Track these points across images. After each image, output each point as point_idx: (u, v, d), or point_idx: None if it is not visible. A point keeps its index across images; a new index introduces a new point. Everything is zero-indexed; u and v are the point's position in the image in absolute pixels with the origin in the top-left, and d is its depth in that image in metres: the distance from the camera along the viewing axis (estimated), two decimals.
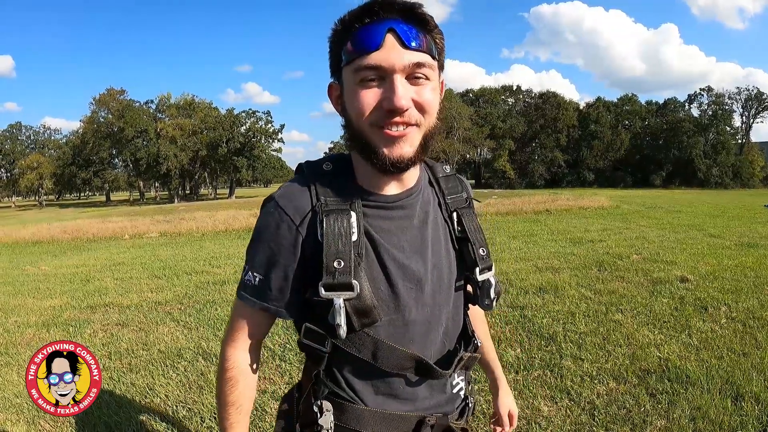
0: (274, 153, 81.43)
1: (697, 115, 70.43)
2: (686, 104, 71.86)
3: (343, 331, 1.16)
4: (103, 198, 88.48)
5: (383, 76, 1.13)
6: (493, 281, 1.39)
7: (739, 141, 70.53)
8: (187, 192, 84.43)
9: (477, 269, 1.36)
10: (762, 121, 74.56)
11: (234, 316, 1.33)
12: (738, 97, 71.84)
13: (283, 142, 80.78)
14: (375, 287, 1.22)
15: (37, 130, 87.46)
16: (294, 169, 1.41)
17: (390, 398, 1.31)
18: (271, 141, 78.96)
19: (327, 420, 1.26)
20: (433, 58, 1.18)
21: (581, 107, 74.22)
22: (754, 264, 8.23)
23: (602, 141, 69.36)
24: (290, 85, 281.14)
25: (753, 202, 25.37)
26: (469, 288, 1.44)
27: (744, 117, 72.44)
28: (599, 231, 13.28)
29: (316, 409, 1.28)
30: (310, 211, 1.21)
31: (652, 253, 9.56)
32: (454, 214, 1.39)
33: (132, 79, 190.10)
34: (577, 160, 70.89)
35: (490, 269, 1.40)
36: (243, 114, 78.11)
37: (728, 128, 69.75)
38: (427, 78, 1.16)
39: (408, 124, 1.15)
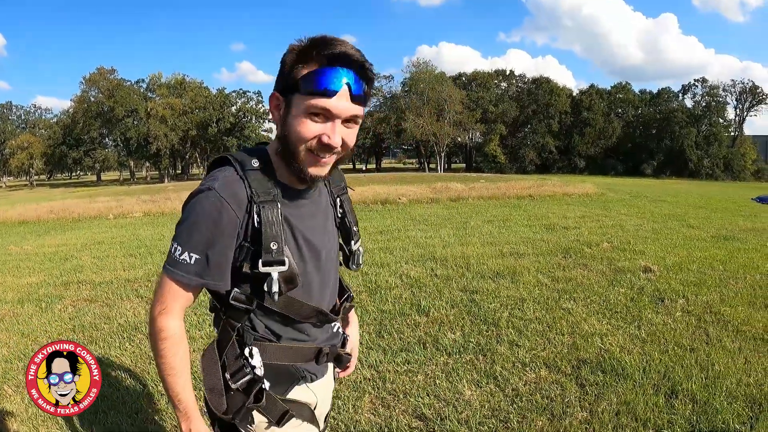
0: (265, 133, 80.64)
1: (690, 106, 70.16)
2: (680, 95, 71.63)
3: (276, 295, 1.48)
4: (94, 178, 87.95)
5: (327, 117, 1.42)
6: (361, 250, 1.87)
7: (732, 133, 70.42)
8: (178, 172, 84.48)
9: (352, 242, 1.83)
10: (756, 115, 74.66)
11: (164, 290, 1.50)
12: (732, 89, 71.81)
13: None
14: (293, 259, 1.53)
15: (28, 109, 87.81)
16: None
17: (298, 337, 1.67)
18: (261, 121, 78.75)
19: (257, 360, 1.57)
20: (365, 107, 1.50)
21: (574, 94, 73.99)
22: (725, 257, 8.06)
23: (594, 128, 69.09)
24: None
25: (741, 195, 25.28)
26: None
27: (738, 109, 72.26)
28: (577, 218, 13.11)
29: (246, 352, 1.57)
30: (248, 201, 1.46)
31: (623, 241, 9.40)
32: (338, 200, 1.80)
33: (125, 57, 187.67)
34: (568, 147, 70.62)
35: (358, 241, 1.86)
36: (233, 94, 78.35)
37: (721, 120, 69.54)
38: (356, 123, 1.49)
39: (332, 155, 1.48)
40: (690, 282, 6.54)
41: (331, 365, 1.85)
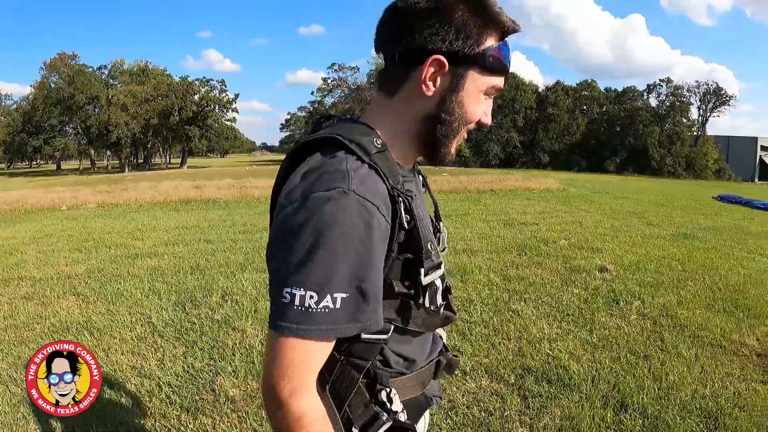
0: (228, 123, 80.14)
1: (654, 105, 70.73)
2: (645, 93, 72.06)
3: (442, 308, 1.22)
4: (54, 167, 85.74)
5: (491, 95, 1.20)
6: (445, 230, 1.47)
7: (695, 133, 71.14)
8: (140, 161, 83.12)
9: (440, 223, 1.45)
10: (718, 116, 75.72)
11: (295, 358, 1.03)
12: (697, 90, 72.26)
13: (237, 112, 79.79)
14: None
15: None
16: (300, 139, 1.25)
17: (423, 356, 1.33)
18: (225, 111, 77.75)
19: (398, 403, 1.22)
20: None
21: (540, 90, 73.93)
22: (683, 256, 7.86)
23: (559, 124, 69.14)
24: (252, 53, 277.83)
25: (702, 193, 25.22)
26: None
27: (701, 110, 72.96)
28: (537, 213, 12.92)
29: (383, 396, 1.21)
30: (390, 197, 1.09)
31: (581, 239, 9.18)
32: (420, 177, 1.44)
33: (88, 42, 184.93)
34: (533, 142, 70.58)
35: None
36: (197, 82, 76.67)
37: (684, 120, 70.00)
38: None
39: None
40: (647, 283, 6.29)
41: None
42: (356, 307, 1.02)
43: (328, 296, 0.99)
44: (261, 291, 6.12)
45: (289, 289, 1.00)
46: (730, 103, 73.04)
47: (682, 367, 4.04)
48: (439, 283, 1.16)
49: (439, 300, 1.18)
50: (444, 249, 1.42)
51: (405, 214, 1.08)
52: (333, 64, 78.53)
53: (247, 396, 3.75)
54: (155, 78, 74.15)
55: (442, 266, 1.17)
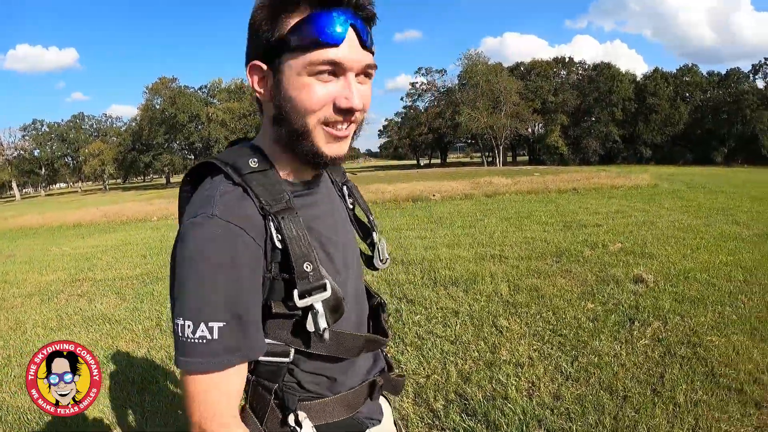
0: None
1: (762, 87, 65.30)
2: (750, 75, 66.99)
3: (327, 333, 1.10)
4: (164, 180, 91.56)
5: (336, 73, 1.07)
6: (384, 242, 1.46)
7: None
8: None
9: (374, 233, 1.43)
10: None
11: (196, 398, 1.03)
12: None
13: None
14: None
15: (99, 119, 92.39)
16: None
17: (349, 379, 1.28)
18: None
19: (308, 427, 1.18)
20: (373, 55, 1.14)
21: (638, 79, 70.49)
22: (755, 263, 6.75)
23: (660, 115, 65.56)
24: None
25: None
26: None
27: None
28: (607, 213, 11.97)
29: (291, 420, 1.18)
30: (261, 218, 1.06)
31: (639, 242, 8.29)
32: (344, 188, 1.41)
33: (197, 63, 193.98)
34: (633, 135, 67.36)
35: (377, 232, 1.45)
36: None
37: None
38: (369, 77, 1.14)
39: (351, 123, 1.12)
40: (687, 298, 5.40)
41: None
42: (235, 335, 1.01)
43: (202, 325, 0.99)
44: None
45: (174, 320, 1.02)
46: None
47: (661, 419, 3.21)
48: (318, 306, 1.08)
49: (322, 324, 1.08)
50: (385, 260, 1.46)
51: (276, 233, 1.05)
52: (420, 68, 78.86)
53: None
54: (251, 94, 76.15)
55: (329, 289, 1.08)
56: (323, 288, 1.08)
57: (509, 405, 3.44)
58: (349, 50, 1.05)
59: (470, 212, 13.73)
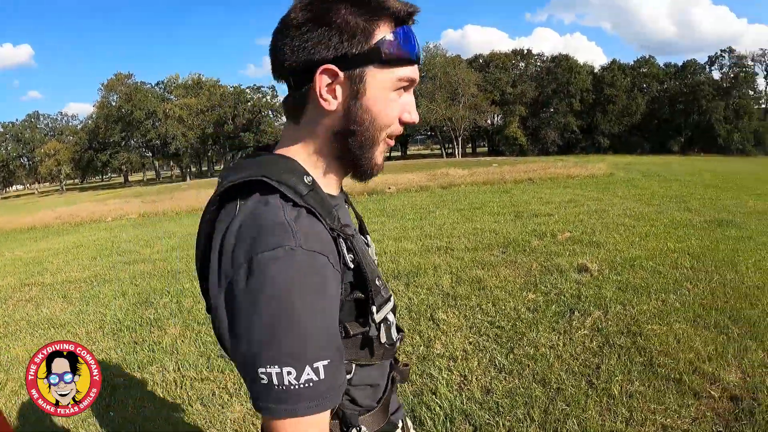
0: (281, 127, 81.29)
1: (718, 78, 66.87)
2: (707, 66, 68.22)
3: (398, 342, 1.15)
4: (122, 179, 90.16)
5: (406, 89, 1.07)
6: (372, 245, 1.39)
7: (763, 106, 67.31)
8: (204, 169, 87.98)
9: (367, 236, 1.35)
10: None
11: None
12: (762, 59, 67.82)
13: None
14: None
15: (55, 117, 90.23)
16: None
17: (382, 382, 1.23)
18: (278, 115, 79.06)
19: None
20: None
21: (596, 71, 71.40)
22: (703, 249, 6.65)
23: (617, 105, 66.67)
24: None
25: None
26: None
27: None
28: (560, 203, 11.88)
29: None
30: (332, 240, 0.99)
31: (588, 231, 8.15)
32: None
33: (150, 59, 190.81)
34: (591, 126, 68.41)
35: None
36: (248, 90, 79.76)
37: (751, 92, 66.15)
38: None
39: None
40: (631, 286, 5.24)
41: None
42: (338, 369, 0.95)
43: (307, 368, 0.90)
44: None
45: (263, 369, 0.89)
46: None
47: (593, 412, 3.07)
48: (391, 317, 1.09)
49: (395, 335, 1.10)
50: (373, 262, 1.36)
51: (348, 253, 1.00)
52: None
53: None
54: (208, 89, 76.93)
55: (392, 299, 1.10)
56: (389, 299, 1.08)
57: (437, 400, 3.34)
58: (416, 68, 1.05)
59: (423, 204, 13.61)
